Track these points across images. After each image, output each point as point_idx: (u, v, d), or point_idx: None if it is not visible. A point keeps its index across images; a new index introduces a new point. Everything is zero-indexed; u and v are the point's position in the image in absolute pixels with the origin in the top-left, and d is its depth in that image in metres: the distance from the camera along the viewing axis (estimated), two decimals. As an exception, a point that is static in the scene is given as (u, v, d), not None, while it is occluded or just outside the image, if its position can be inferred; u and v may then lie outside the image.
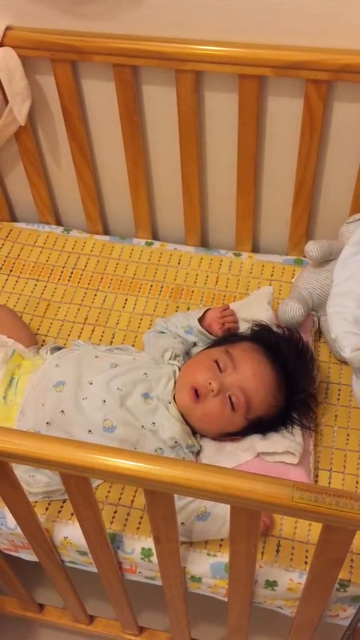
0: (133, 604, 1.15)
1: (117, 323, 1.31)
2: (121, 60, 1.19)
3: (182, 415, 1.06)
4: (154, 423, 1.04)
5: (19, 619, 1.37)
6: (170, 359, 1.12)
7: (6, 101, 1.26)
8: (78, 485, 0.81)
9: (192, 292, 1.35)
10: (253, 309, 1.21)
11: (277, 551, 0.99)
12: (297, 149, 1.25)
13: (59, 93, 1.28)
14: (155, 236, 1.51)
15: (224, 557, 0.99)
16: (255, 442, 1.06)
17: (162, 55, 1.16)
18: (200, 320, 1.18)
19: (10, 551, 1.12)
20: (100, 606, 1.31)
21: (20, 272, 1.41)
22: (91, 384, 1.05)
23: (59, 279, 1.39)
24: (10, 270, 1.41)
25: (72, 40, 1.18)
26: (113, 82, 1.24)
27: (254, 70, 1.14)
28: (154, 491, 0.76)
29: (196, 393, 1.04)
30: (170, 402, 1.06)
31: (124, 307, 1.33)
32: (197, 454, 1.08)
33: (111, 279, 1.38)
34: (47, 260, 1.43)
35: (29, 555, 1.10)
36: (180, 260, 1.41)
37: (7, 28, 1.20)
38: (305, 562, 0.98)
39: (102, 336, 1.29)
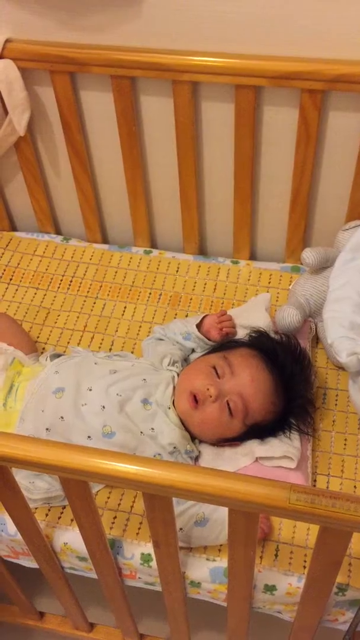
0: (133, 611, 1.15)
1: (116, 330, 1.32)
2: (119, 71, 1.21)
3: (181, 421, 1.07)
4: (152, 429, 1.05)
5: (19, 627, 1.37)
6: (168, 365, 1.13)
7: (6, 112, 1.28)
8: (77, 489, 0.82)
9: (191, 299, 1.36)
10: (251, 316, 1.22)
11: (276, 555, 1.00)
12: (293, 158, 1.26)
13: (58, 104, 1.29)
14: (153, 244, 1.52)
15: (223, 562, 1.00)
16: (254, 447, 1.07)
17: (159, 67, 1.18)
18: (198, 326, 1.19)
19: (11, 558, 1.12)
20: (101, 614, 1.31)
21: (20, 281, 1.42)
22: (90, 390, 1.06)
23: (59, 287, 1.40)
24: (10, 279, 1.42)
25: (71, 52, 1.20)
26: (111, 93, 1.25)
27: (250, 80, 1.16)
28: (152, 495, 0.77)
29: (195, 399, 1.04)
30: (169, 408, 1.07)
31: (122, 314, 1.34)
32: (196, 459, 1.09)
33: (110, 287, 1.39)
34: (46, 269, 1.44)
35: (29, 562, 1.10)
36: (178, 268, 1.42)
37: (7, 40, 1.21)
38: (304, 567, 0.98)
39: (101, 343, 1.30)
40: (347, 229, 1.22)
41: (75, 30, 1.20)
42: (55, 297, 1.39)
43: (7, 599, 1.27)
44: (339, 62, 1.12)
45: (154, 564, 0.98)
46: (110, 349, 1.29)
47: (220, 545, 1.01)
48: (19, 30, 1.22)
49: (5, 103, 1.26)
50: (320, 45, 1.12)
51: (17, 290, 1.40)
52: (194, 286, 1.38)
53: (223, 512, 0.93)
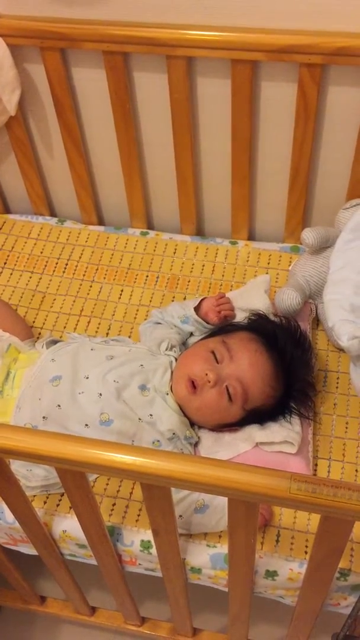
0: (134, 594, 1.15)
1: (113, 314, 1.30)
2: (111, 47, 1.17)
3: (180, 407, 1.05)
4: (151, 415, 1.04)
5: (21, 611, 1.37)
6: (166, 349, 1.12)
7: (-4, 91, 1.24)
8: (74, 480, 0.80)
9: (189, 281, 1.34)
10: (250, 298, 1.20)
11: (277, 541, 0.99)
12: (291, 135, 1.23)
13: (49, 82, 1.26)
14: (150, 226, 1.49)
15: (223, 548, 0.99)
16: (254, 432, 1.05)
17: (152, 41, 1.14)
18: (197, 309, 1.17)
19: (10, 545, 1.11)
20: (102, 597, 1.31)
21: (15, 264, 1.39)
22: (87, 377, 1.04)
23: (54, 271, 1.38)
24: (5, 263, 1.40)
25: (61, 27, 1.16)
26: (104, 69, 1.22)
27: (246, 55, 1.13)
28: (150, 485, 0.75)
29: (193, 384, 1.03)
30: (167, 394, 1.06)
31: (119, 298, 1.32)
32: (195, 445, 1.08)
33: (106, 270, 1.37)
34: (41, 252, 1.41)
35: (28, 549, 1.10)
36: (175, 249, 1.40)
37: (-5, 16, 1.18)
38: (305, 552, 0.98)
39: (98, 328, 1.28)
40: (347, 208, 1.20)
41: (65, 5, 1.16)
42: (50, 280, 1.36)
43: (8, 584, 1.27)
44: (338, 34, 1.08)
45: (154, 550, 0.97)
46: (107, 334, 1.27)
47: (221, 531, 1.00)
48: (7, 5, 1.18)
49: (-5, 82, 1.22)
50: (319, 18, 1.08)
51: (11, 274, 1.38)
52: (192, 268, 1.36)
53: (223, 499, 0.91)
